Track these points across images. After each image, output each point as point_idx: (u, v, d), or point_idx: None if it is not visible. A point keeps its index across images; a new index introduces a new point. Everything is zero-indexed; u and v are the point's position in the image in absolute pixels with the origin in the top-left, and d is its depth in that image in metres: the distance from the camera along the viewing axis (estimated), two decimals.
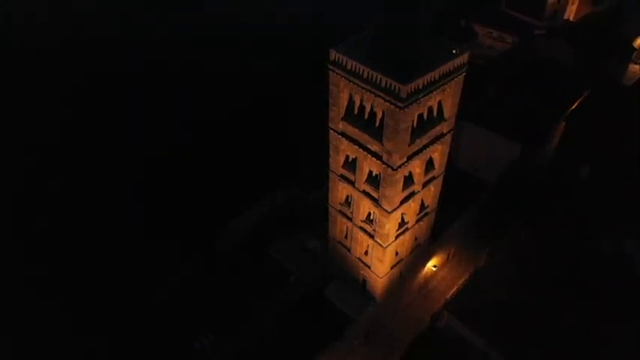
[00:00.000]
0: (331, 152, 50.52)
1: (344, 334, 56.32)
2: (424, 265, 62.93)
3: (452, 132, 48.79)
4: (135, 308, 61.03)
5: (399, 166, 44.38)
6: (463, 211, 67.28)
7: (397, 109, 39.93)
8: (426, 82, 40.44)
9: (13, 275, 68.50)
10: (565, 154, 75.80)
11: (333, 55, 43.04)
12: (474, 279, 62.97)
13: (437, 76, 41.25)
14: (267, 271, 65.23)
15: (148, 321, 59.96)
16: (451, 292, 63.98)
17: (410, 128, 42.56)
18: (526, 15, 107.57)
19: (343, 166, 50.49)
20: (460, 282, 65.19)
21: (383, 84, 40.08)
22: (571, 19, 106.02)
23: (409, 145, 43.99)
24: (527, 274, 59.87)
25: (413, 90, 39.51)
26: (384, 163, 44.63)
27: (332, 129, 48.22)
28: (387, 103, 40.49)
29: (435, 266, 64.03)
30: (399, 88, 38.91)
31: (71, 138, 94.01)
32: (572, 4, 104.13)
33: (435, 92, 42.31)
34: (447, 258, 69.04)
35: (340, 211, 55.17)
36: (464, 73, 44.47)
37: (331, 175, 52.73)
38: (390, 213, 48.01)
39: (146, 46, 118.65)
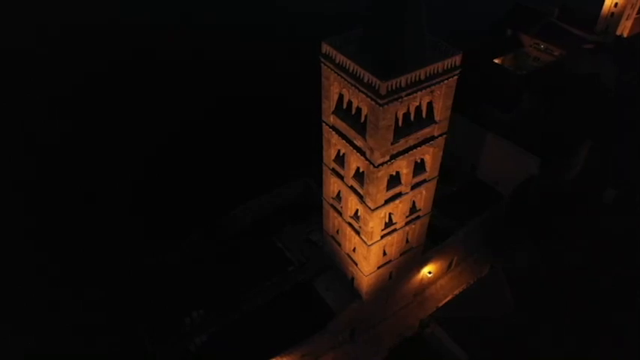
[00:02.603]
0: (324, 145, 51.00)
1: (326, 328, 56.51)
2: (419, 270, 62.01)
3: (445, 135, 47.88)
4: (134, 281, 63.50)
5: (381, 164, 44.23)
6: (469, 221, 65.64)
7: (377, 106, 39.95)
8: (409, 81, 40.09)
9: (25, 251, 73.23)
10: (590, 174, 72.35)
11: (325, 47, 43.52)
12: (468, 290, 61.57)
13: (422, 76, 40.75)
14: (268, 258, 66.19)
15: (145, 294, 62.23)
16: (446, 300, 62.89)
17: (392, 126, 42.33)
18: (577, 28, 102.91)
19: (334, 160, 50.84)
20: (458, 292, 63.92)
21: (365, 79, 40.24)
22: (625, 35, 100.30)
23: (392, 144, 43.76)
24: (524, 294, 57.74)
25: (393, 87, 39.33)
26: (367, 159, 44.67)
27: (324, 122, 48.70)
28: (369, 99, 40.58)
29: (430, 272, 62.98)
30: (378, 84, 38.93)
31: (93, 121, 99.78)
32: (627, 19, 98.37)
33: (420, 92, 41.85)
34: (449, 266, 67.78)
35: (332, 206, 55.54)
36: (456, 76, 43.50)
37: (324, 169, 53.23)
38: (373, 211, 47.89)
39: (159, 44, 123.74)
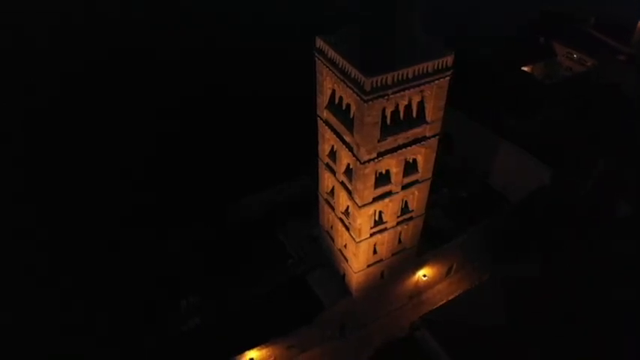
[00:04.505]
0: (319, 140, 51.48)
1: (313, 321, 56.92)
2: (414, 272, 61.60)
3: (437, 137, 47.52)
4: (135, 263, 65.42)
5: (368, 161, 44.36)
6: (471, 227, 64.72)
7: (362, 102, 40.18)
8: (395, 79, 40.13)
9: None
10: (605, 188, 69.91)
11: (319, 42, 44.06)
12: (463, 296, 60.64)
13: (409, 75, 40.69)
14: (268, 251, 66.99)
15: (144, 279, 63.73)
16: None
17: (378, 123, 42.41)
18: (613, 39, 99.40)
19: (328, 155, 51.24)
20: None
21: (352, 75, 40.56)
22: None
23: (379, 141, 43.81)
24: (519, 306, 56.48)
25: (378, 84, 39.48)
26: (354, 155, 44.90)
27: (319, 116, 49.20)
28: (355, 95, 40.88)
29: (424, 275, 62.38)
30: (363, 80, 39.17)
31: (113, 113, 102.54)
32: None
33: (408, 91, 41.80)
34: (448, 271, 67.00)
35: (327, 201, 55.95)
36: (448, 77, 43.13)
37: (319, 163, 53.69)
38: (360, 207, 48.03)
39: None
